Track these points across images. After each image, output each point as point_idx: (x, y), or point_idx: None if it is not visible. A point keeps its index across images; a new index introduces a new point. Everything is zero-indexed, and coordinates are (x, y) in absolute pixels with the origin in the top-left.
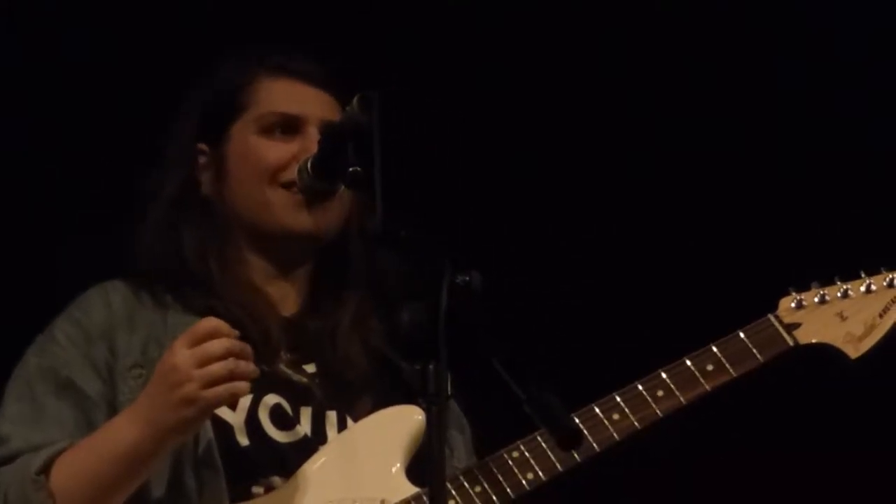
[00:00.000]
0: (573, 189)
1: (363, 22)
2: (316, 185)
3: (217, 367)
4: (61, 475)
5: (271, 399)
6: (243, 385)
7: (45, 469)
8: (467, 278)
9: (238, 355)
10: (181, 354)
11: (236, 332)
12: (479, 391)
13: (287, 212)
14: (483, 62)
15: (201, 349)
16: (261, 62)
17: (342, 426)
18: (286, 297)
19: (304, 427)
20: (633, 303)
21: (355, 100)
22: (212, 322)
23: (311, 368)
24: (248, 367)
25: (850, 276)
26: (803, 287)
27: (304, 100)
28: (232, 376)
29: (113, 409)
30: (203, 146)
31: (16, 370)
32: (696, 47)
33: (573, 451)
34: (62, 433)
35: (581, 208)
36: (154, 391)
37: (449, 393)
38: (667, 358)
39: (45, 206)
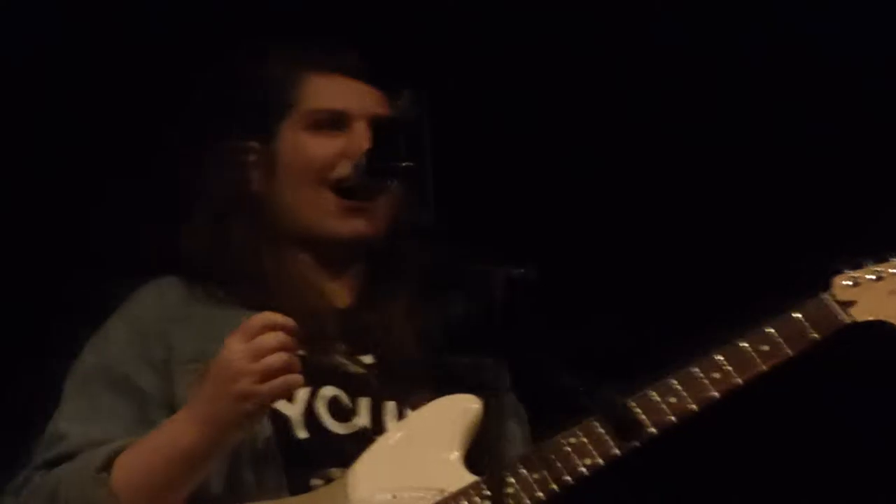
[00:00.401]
0: (595, 184)
1: (404, 16)
2: (369, 182)
3: (272, 360)
4: (122, 472)
5: (329, 391)
6: (299, 377)
7: (107, 466)
8: (521, 271)
9: (289, 349)
10: (235, 350)
11: (293, 323)
12: (531, 384)
13: (335, 216)
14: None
15: (254, 343)
16: (306, 58)
17: (401, 417)
18: (339, 291)
19: (363, 418)
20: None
21: (404, 94)
22: (266, 316)
23: (367, 360)
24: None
25: None
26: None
27: (351, 95)
28: (287, 368)
29: (170, 405)
30: (253, 144)
31: (72, 369)
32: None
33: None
34: (120, 429)
35: (604, 207)
36: (211, 388)
37: (506, 385)
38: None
39: (46, 205)
